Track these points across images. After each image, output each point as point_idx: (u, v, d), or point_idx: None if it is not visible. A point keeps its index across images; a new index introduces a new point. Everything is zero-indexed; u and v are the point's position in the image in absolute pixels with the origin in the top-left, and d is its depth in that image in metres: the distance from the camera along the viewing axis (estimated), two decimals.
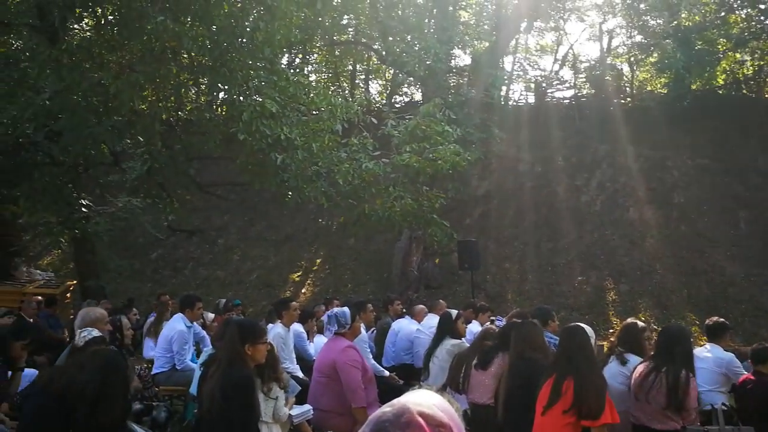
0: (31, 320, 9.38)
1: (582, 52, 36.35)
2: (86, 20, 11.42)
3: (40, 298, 10.83)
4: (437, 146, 11.78)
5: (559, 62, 27.49)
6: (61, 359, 4.71)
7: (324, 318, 5.97)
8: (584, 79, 26.15)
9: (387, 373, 7.44)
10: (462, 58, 24.31)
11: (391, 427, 1.14)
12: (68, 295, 14.47)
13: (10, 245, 15.23)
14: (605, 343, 9.07)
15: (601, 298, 15.65)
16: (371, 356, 7.38)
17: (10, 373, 5.44)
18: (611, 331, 13.56)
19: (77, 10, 9.29)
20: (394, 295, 11.27)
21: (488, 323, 7.71)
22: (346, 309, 5.85)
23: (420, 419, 1.15)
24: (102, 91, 9.00)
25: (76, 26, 11.85)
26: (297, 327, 7.93)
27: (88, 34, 12.10)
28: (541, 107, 24.51)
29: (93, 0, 8.86)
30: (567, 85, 26.68)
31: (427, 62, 16.15)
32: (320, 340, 7.87)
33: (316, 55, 26.07)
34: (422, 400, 1.22)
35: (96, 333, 4.42)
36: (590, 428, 4.00)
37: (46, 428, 3.53)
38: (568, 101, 25.67)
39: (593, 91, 25.02)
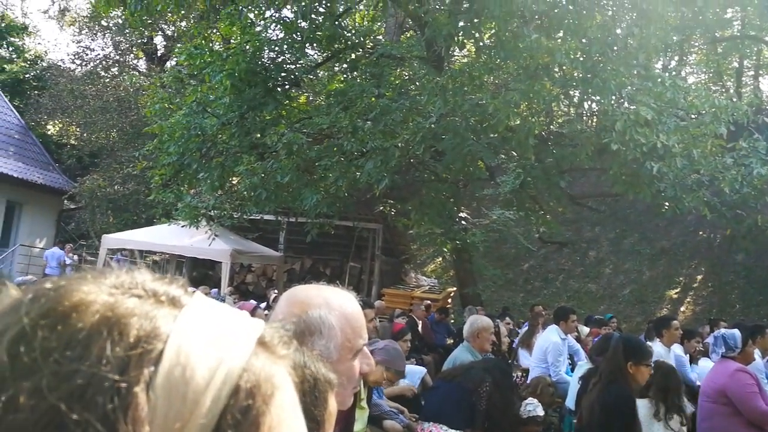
0: (420, 322, 10.47)
1: None
2: (467, 47, 12.35)
3: (429, 302, 12.07)
4: None
5: None
6: (448, 361, 5.20)
7: (710, 339, 5.50)
8: None
9: None
10: None
11: None
12: (449, 300, 15.77)
13: (402, 254, 17.31)
14: None
15: None
16: None
17: None
18: None
19: (460, 39, 10.10)
20: None
21: None
22: (736, 331, 5.29)
23: None
24: (480, 111, 9.64)
25: (457, 53, 12.90)
26: (677, 348, 7.40)
27: (467, 59, 13.04)
28: None
29: (473, 27, 9.52)
30: None
31: None
32: (705, 363, 7.23)
33: (694, 56, 24.22)
34: None
35: (540, 412, 4.80)
36: None
37: (458, 414, 4.09)
38: None
39: None
